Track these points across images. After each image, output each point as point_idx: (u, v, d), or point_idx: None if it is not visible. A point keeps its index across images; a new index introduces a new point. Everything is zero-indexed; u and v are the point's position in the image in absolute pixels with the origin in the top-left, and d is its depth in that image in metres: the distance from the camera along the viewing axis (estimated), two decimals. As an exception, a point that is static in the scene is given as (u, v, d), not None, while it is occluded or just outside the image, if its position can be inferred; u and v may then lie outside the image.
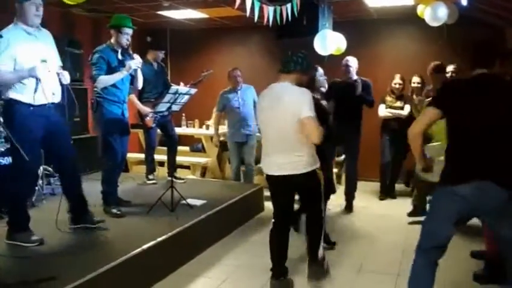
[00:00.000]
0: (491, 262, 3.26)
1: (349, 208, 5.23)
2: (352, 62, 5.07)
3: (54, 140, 3.27)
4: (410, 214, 4.81)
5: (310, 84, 3.93)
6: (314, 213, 3.18)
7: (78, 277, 2.63)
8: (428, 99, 4.76)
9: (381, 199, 5.74)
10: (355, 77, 5.07)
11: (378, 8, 6.05)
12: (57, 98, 3.29)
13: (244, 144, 5.49)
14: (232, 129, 5.49)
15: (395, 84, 5.63)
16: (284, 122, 2.93)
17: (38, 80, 3.04)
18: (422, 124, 2.48)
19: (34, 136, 3.13)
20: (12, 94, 3.08)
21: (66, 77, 3.32)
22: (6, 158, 3.86)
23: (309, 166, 2.99)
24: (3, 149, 3.85)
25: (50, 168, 4.67)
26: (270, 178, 3.12)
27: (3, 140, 3.86)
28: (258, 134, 5.84)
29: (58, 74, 3.29)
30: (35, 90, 3.05)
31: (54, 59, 3.34)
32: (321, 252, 3.19)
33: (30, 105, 3.10)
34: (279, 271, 3.14)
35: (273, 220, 3.22)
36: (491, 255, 3.28)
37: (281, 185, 3.08)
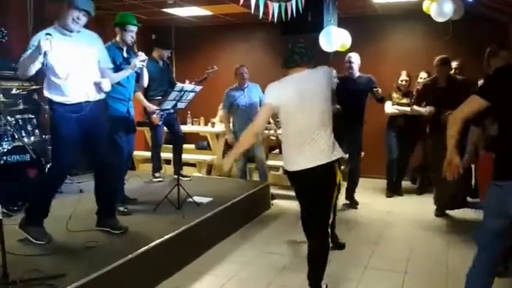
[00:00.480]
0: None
1: (352, 204, 5.23)
2: (355, 58, 5.06)
3: (88, 138, 3.26)
4: (436, 214, 4.83)
5: None
6: (320, 231, 2.84)
7: (86, 274, 2.64)
8: None
9: (388, 196, 5.72)
10: (357, 73, 5.07)
11: (382, 4, 6.03)
12: (92, 96, 3.26)
13: None
14: (239, 127, 5.44)
15: (401, 81, 5.61)
16: (316, 106, 2.76)
17: (45, 54, 2.94)
18: (465, 112, 2.27)
19: (68, 135, 3.14)
20: (47, 93, 3.15)
21: (105, 85, 3.28)
22: (14, 156, 3.89)
23: (333, 155, 2.77)
24: (10, 147, 3.88)
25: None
26: (295, 174, 2.82)
27: (10, 138, 3.88)
28: (265, 132, 5.82)
29: (96, 84, 3.26)
30: (42, 61, 2.99)
31: (93, 60, 3.30)
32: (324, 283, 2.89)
33: (62, 104, 3.13)
34: None
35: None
36: None
37: (308, 180, 2.79)
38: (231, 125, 5.69)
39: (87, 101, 3.22)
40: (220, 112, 7.08)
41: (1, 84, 4.73)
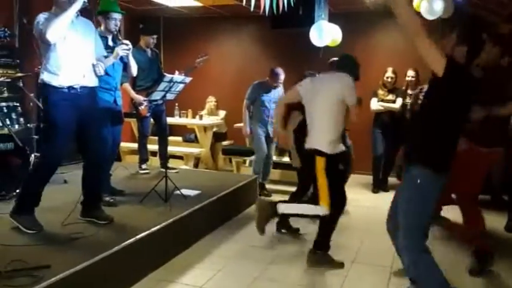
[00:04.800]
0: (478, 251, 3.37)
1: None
2: None
3: (83, 126, 3.22)
4: None
5: None
6: None
7: (71, 266, 2.59)
8: None
9: (374, 192, 5.77)
10: None
11: (373, 0, 6.03)
12: (88, 82, 3.24)
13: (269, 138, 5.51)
14: (258, 122, 5.43)
15: (387, 77, 5.64)
16: None
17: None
18: None
19: (63, 123, 3.09)
20: (45, 76, 3.07)
21: (100, 69, 3.29)
22: (7, 143, 3.80)
23: None
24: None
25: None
26: None
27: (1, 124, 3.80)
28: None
29: (93, 66, 3.26)
30: None
31: (90, 46, 3.29)
32: None
33: (59, 89, 3.08)
34: None
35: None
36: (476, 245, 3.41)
37: None
38: (222, 115, 5.65)
39: (83, 87, 3.20)
40: (209, 105, 7.08)
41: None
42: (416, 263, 2.55)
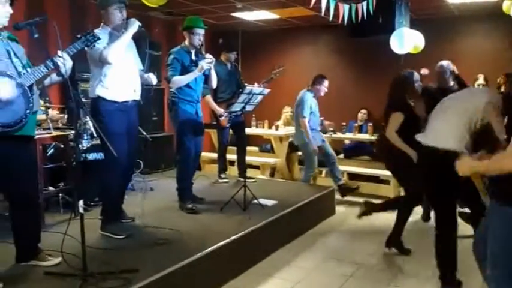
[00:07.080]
0: None
1: (424, 216, 4.94)
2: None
3: (128, 136, 3.40)
4: None
5: (409, 90, 3.78)
6: None
7: (158, 271, 2.71)
8: None
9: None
10: (451, 83, 4.63)
11: (458, 4, 5.74)
12: (137, 96, 3.45)
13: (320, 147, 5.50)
14: (313, 132, 5.40)
15: (478, 85, 5.30)
16: None
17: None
18: None
19: (119, 130, 3.28)
20: (99, 91, 3.26)
21: (153, 80, 3.53)
22: (92, 154, 4.10)
23: None
24: (89, 145, 4.09)
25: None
26: None
27: (89, 136, 4.10)
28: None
29: (147, 76, 3.50)
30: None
31: (137, 60, 3.53)
32: None
33: (114, 102, 3.28)
34: None
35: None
36: None
37: None
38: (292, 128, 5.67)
39: (134, 100, 3.40)
40: (285, 115, 7.11)
41: (81, 86, 5.05)
42: None
